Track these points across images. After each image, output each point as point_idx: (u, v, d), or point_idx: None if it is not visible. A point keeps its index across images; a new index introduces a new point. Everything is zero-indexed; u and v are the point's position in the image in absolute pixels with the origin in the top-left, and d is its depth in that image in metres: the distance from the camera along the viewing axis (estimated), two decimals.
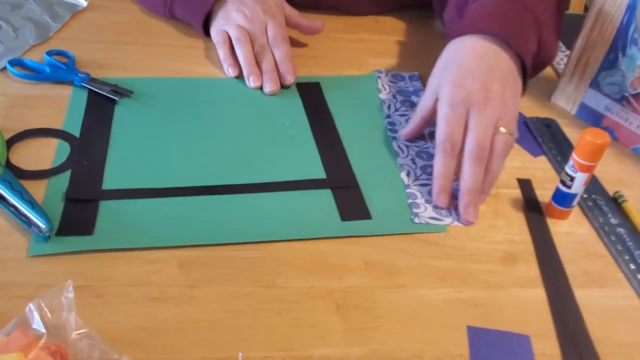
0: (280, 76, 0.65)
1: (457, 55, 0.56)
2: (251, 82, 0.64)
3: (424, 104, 0.56)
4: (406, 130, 0.59)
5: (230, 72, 0.65)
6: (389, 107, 0.63)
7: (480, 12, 0.58)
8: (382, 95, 0.65)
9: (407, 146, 0.58)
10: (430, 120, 0.57)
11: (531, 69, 0.57)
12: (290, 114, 0.61)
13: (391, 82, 0.67)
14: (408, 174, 0.55)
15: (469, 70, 0.53)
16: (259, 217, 0.49)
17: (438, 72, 0.56)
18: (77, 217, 0.47)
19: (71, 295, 0.37)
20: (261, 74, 0.64)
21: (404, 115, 0.62)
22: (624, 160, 0.61)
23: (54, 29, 0.69)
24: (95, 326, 0.37)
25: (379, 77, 0.68)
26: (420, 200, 0.52)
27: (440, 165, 0.51)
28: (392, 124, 0.61)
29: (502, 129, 0.51)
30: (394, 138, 0.59)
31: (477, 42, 0.55)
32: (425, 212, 0.51)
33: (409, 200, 0.52)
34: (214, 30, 0.68)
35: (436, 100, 0.54)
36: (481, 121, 0.51)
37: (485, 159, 0.51)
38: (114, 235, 0.46)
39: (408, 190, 0.53)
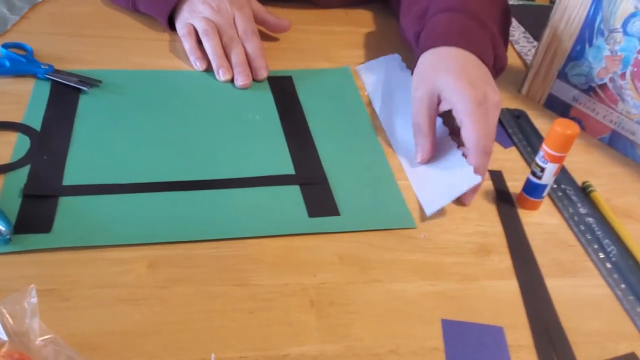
0: (252, 71, 0.63)
1: (448, 62, 0.55)
2: (221, 75, 0.62)
3: (426, 112, 0.54)
4: (425, 153, 0.54)
5: (198, 65, 0.63)
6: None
7: (444, 27, 0.59)
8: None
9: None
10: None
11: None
12: (261, 108, 0.60)
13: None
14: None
15: (475, 74, 0.54)
16: (225, 213, 0.48)
17: (428, 77, 0.55)
18: (35, 214, 0.45)
19: (34, 300, 0.35)
20: (231, 67, 0.63)
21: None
22: (592, 151, 0.62)
23: (11, 22, 0.66)
24: (61, 331, 0.36)
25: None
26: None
27: (482, 167, 0.51)
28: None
29: None
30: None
31: (458, 51, 0.56)
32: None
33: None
34: (179, 24, 0.66)
35: (438, 103, 0.54)
36: (494, 124, 0.52)
37: None
38: (74, 233, 0.44)
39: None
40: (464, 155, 0.53)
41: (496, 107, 0.53)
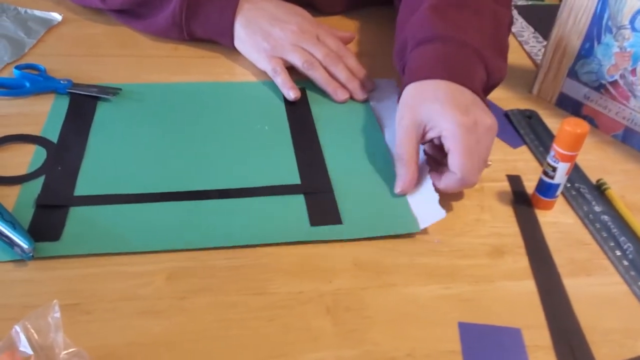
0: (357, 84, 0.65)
1: (433, 92, 0.52)
2: (340, 96, 0.64)
3: (410, 143, 0.52)
4: (404, 183, 0.52)
5: (292, 95, 0.63)
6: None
7: (420, 62, 0.56)
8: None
9: None
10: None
11: (484, 93, 0.56)
12: (273, 119, 0.61)
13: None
14: None
15: (461, 100, 0.51)
16: (229, 222, 0.49)
17: (415, 106, 0.52)
18: (45, 223, 0.47)
19: (57, 315, 0.36)
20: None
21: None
22: (605, 148, 0.62)
23: (29, 45, 0.68)
24: (84, 344, 0.37)
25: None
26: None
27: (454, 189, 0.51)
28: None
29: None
30: None
31: (439, 82, 0.53)
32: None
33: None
34: (262, 57, 0.65)
35: (423, 133, 0.52)
36: (486, 151, 0.51)
37: None
38: (82, 241, 0.46)
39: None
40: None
41: (488, 131, 0.50)
